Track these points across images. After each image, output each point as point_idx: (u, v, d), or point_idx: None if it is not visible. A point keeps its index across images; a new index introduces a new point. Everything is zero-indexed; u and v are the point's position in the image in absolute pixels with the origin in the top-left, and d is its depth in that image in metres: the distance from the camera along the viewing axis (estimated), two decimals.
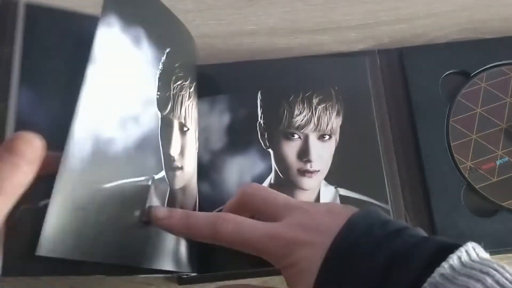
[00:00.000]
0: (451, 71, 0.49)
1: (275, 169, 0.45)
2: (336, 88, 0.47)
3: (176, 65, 0.41)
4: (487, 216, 0.43)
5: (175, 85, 0.40)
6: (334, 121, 0.46)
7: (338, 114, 0.46)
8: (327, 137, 0.45)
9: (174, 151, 0.39)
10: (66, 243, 0.29)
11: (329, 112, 0.46)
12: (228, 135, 0.46)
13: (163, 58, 0.39)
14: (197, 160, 0.44)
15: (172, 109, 0.39)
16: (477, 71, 0.49)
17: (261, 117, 0.46)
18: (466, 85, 0.49)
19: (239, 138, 0.46)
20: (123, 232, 0.33)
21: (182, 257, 0.39)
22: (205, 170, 0.45)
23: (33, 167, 0.26)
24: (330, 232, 0.31)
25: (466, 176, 0.45)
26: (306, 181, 0.44)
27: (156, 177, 0.37)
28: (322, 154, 0.45)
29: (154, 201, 0.36)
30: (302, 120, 0.46)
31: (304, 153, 0.45)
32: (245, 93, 0.47)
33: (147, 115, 0.36)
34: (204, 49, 0.51)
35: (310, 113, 0.46)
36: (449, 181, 0.45)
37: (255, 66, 0.49)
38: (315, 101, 0.47)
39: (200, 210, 0.43)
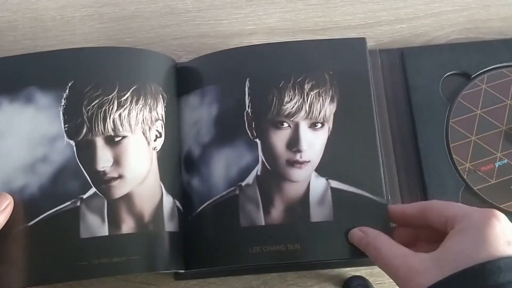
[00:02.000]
0: (451, 72, 0.49)
1: (262, 160, 0.42)
2: (331, 72, 0.44)
3: (87, 88, 0.43)
4: None
5: (88, 107, 0.42)
6: (327, 108, 0.43)
7: (332, 100, 0.43)
8: (319, 125, 0.42)
9: (102, 165, 0.41)
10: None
11: (322, 99, 0.43)
12: (216, 127, 0.44)
13: (66, 93, 0.43)
14: (189, 156, 0.44)
15: (91, 130, 0.42)
16: (478, 72, 0.49)
17: (248, 105, 0.43)
18: (467, 87, 0.49)
19: (226, 129, 0.43)
20: (68, 252, 0.39)
21: (156, 259, 0.40)
22: (196, 164, 0.44)
23: (5, 212, 0.39)
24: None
25: (465, 177, 0.45)
26: (295, 173, 0.42)
27: (85, 196, 0.41)
28: (313, 143, 0.42)
29: (88, 217, 0.40)
30: (292, 108, 0.43)
31: (293, 143, 0.42)
32: (233, 81, 0.44)
33: (56, 150, 0.42)
34: (204, 49, 0.51)
35: (301, 100, 0.43)
36: (447, 182, 0.45)
37: (244, 52, 0.46)
38: (307, 86, 0.43)
39: (189, 204, 0.43)
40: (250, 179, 0.42)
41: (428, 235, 0.38)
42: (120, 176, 0.41)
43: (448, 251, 0.33)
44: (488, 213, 0.33)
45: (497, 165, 0.46)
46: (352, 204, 0.41)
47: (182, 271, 0.42)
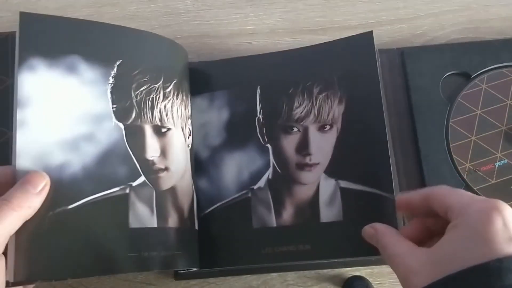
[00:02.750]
0: (452, 72, 0.49)
1: (273, 164, 0.43)
2: (339, 73, 0.44)
3: (136, 72, 0.41)
4: None
5: (137, 92, 0.41)
6: (336, 110, 0.44)
7: (340, 101, 0.44)
8: (327, 127, 0.43)
9: (151, 154, 0.40)
10: (40, 267, 0.34)
11: (331, 101, 0.44)
12: (226, 130, 0.45)
13: (114, 71, 0.40)
14: (196, 156, 0.44)
15: (140, 116, 0.40)
16: (478, 72, 0.49)
17: (260, 112, 0.45)
18: (467, 87, 0.49)
19: (237, 133, 0.45)
20: (118, 242, 0.37)
21: (191, 255, 0.40)
22: (204, 166, 0.44)
23: (42, 194, 0.34)
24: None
25: (465, 177, 0.45)
26: (305, 175, 0.43)
27: (135, 183, 0.39)
28: (322, 146, 0.43)
29: (138, 206, 0.38)
30: (301, 112, 0.44)
31: (303, 147, 0.43)
32: (244, 88, 0.46)
33: (104, 130, 0.38)
34: (204, 49, 0.52)
35: (310, 104, 0.44)
36: (447, 182, 0.45)
37: (255, 60, 0.47)
38: (315, 91, 0.44)
39: (198, 206, 0.43)
40: (262, 182, 0.43)
41: (439, 227, 0.36)
42: (166, 168, 0.40)
43: (443, 249, 0.31)
44: (489, 205, 0.30)
45: (497, 165, 0.46)
46: (362, 203, 0.41)
47: (183, 270, 0.42)
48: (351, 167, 0.42)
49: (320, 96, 0.44)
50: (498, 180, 0.45)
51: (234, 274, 0.46)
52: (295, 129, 0.44)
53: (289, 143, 0.44)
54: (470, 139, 0.47)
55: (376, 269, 0.45)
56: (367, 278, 0.45)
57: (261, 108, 0.45)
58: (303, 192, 0.42)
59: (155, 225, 0.38)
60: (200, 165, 0.44)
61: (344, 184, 0.42)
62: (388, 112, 0.48)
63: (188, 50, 0.52)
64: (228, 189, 0.44)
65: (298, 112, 0.44)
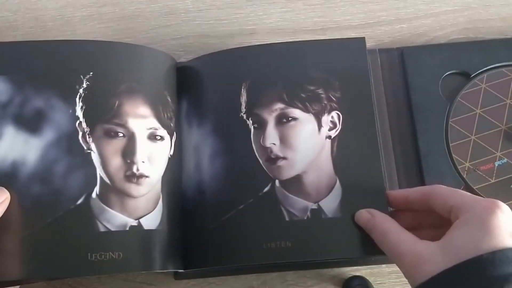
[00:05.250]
0: (451, 72, 0.49)
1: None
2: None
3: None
4: None
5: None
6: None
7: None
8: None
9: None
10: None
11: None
12: None
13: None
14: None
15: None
16: (478, 72, 0.49)
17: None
18: (466, 86, 0.49)
19: None
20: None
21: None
22: None
23: (2, 206, 0.38)
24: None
25: (464, 176, 0.45)
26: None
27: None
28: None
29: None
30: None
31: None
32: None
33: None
34: (204, 49, 0.51)
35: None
36: (447, 181, 0.45)
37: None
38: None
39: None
40: None
41: (431, 221, 0.38)
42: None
43: (454, 241, 0.33)
44: (492, 204, 0.34)
45: (496, 165, 0.46)
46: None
47: (182, 270, 0.42)
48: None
49: None
50: (498, 180, 0.45)
51: (233, 274, 0.46)
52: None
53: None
54: (469, 138, 0.47)
55: (376, 269, 0.45)
56: (367, 278, 0.45)
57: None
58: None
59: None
60: None
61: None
62: (388, 112, 0.48)
63: (188, 50, 0.53)
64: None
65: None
